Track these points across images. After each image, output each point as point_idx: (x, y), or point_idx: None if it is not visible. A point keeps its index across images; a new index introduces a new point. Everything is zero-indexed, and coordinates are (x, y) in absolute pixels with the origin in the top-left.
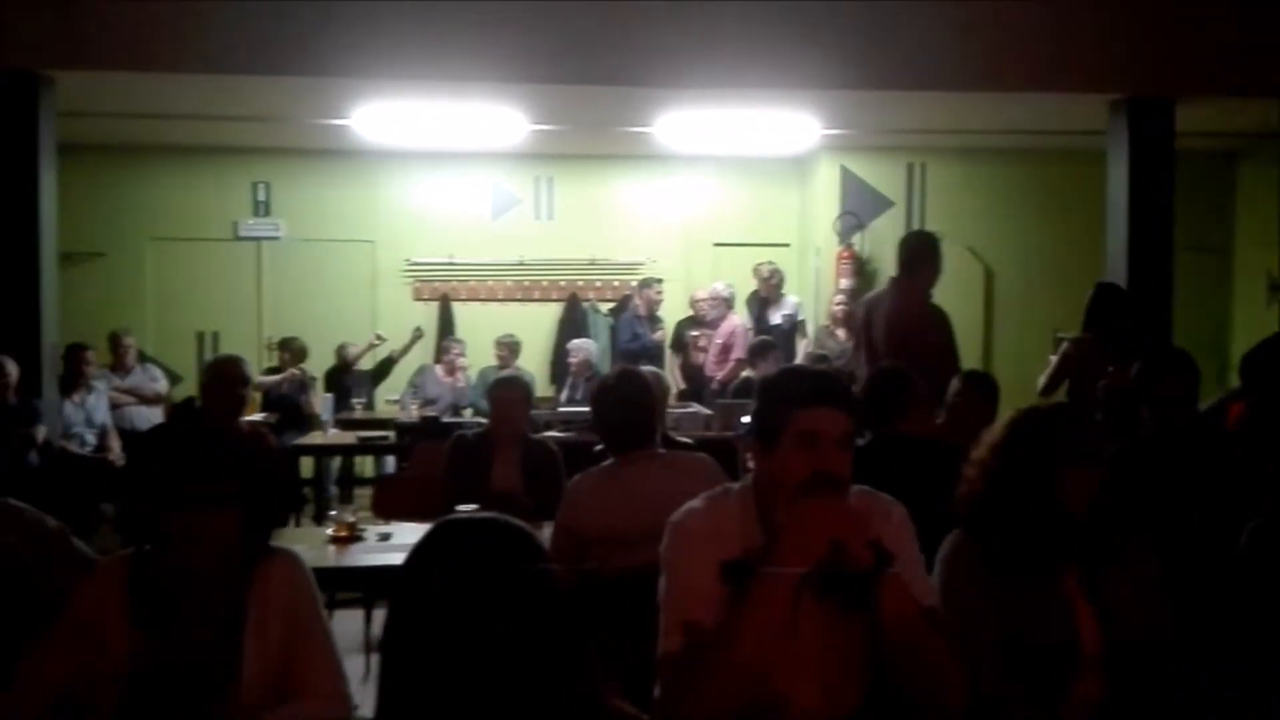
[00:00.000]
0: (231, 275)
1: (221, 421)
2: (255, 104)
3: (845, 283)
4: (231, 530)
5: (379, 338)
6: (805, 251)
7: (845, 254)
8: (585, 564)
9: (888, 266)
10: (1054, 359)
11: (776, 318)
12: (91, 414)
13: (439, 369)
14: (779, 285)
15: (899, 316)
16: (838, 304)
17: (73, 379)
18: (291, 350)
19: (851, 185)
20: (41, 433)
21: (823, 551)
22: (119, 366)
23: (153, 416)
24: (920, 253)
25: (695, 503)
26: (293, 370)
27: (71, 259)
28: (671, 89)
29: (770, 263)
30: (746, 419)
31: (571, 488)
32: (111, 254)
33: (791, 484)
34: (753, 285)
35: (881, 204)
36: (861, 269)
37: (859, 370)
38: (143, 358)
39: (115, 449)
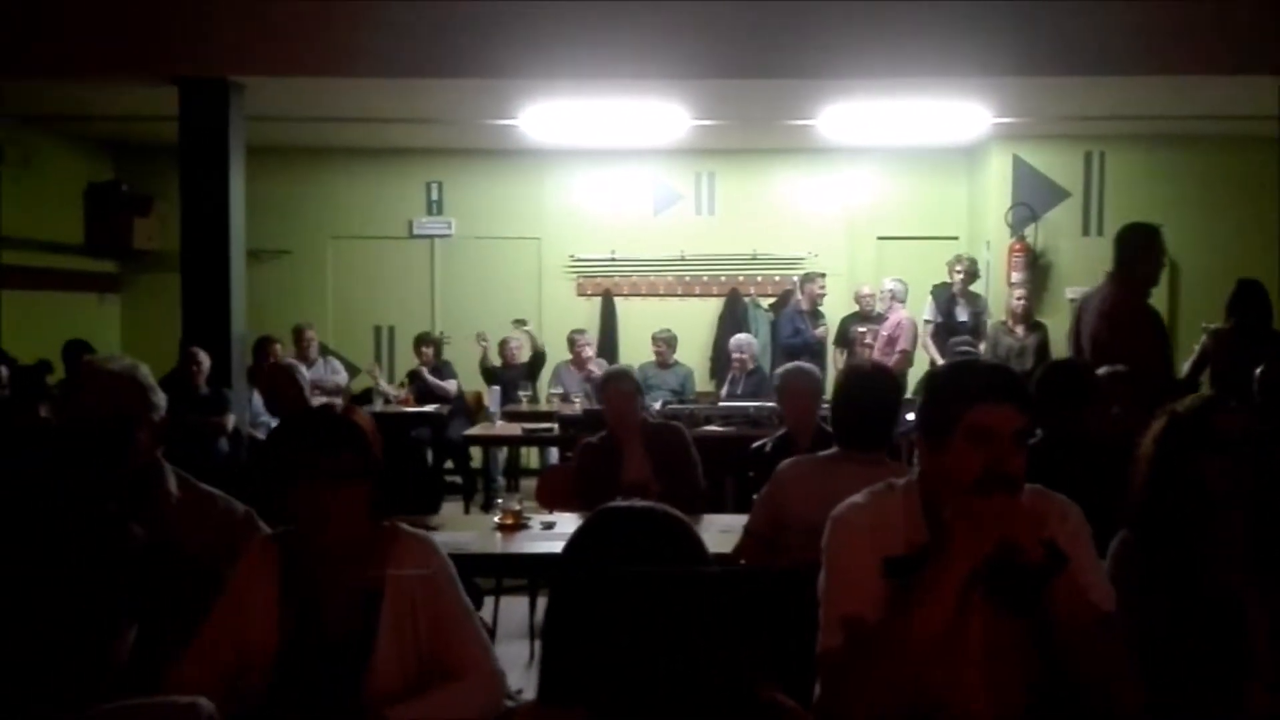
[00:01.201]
0: (406, 272)
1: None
2: (429, 106)
3: (1017, 276)
4: (356, 506)
5: (482, 338)
6: (975, 245)
7: (1017, 247)
8: (776, 550)
9: (1063, 260)
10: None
11: (964, 314)
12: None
13: (570, 364)
14: (970, 281)
15: (1110, 315)
16: (1018, 299)
17: (260, 370)
18: (430, 344)
19: (1024, 175)
20: (230, 421)
21: (993, 550)
22: (302, 359)
23: None
24: (1137, 247)
25: (857, 497)
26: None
27: (259, 256)
28: (837, 80)
29: (968, 257)
30: (910, 415)
31: (784, 467)
32: (296, 251)
33: (961, 481)
34: (937, 279)
35: (1056, 195)
36: (1034, 262)
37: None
38: (324, 351)
39: None
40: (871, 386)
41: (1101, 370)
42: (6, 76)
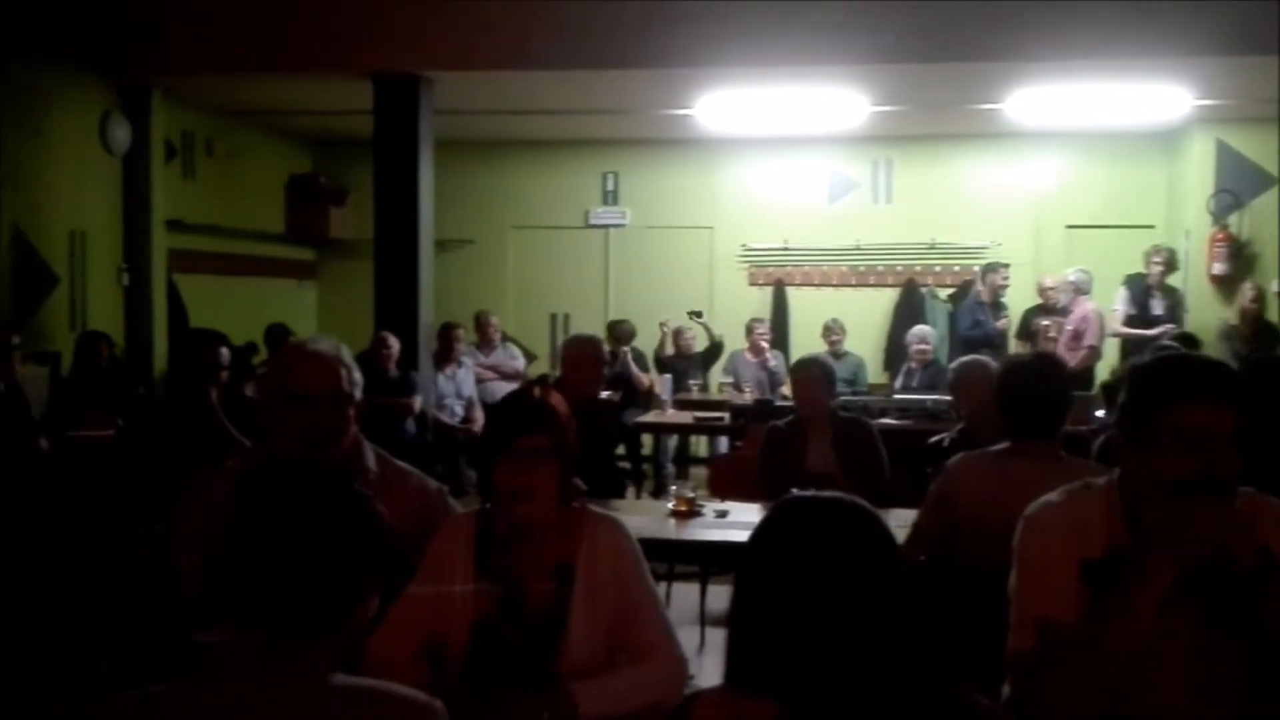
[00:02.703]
0: (582, 261)
1: (580, 395)
2: (607, 97)
3: (1219, 268)
4: (549, 486)
5: (666, 324)
6: (1173, 234)
7: (1220, 236)
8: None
9: (1270, 251)
10: None
11: (1159, 308)
12: (460, 387)
13: (747, 352)
14: (1168, 272)
15: None
16: (1252, 301)
17: (445, 355)
18: (618, 334)
19: (1228, 160)
20: (418, 403)
21: (1201, 555)
22: (484, 344)
23: None
24: None
25: (1052, 496)
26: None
27: (444, 245)
28: (1026, 63)
29: (1167, 248)
30: (1100, 413)
31: (953, 463)
32: (479, 240)
33: (1168, 483)
34: (1131, 270)
35: (1263, 181)
36: (1239, 253)
37: None
38: (504, 337)
39: (479, 420)
40: (1036, 374)
41: None
42: (216, 73)
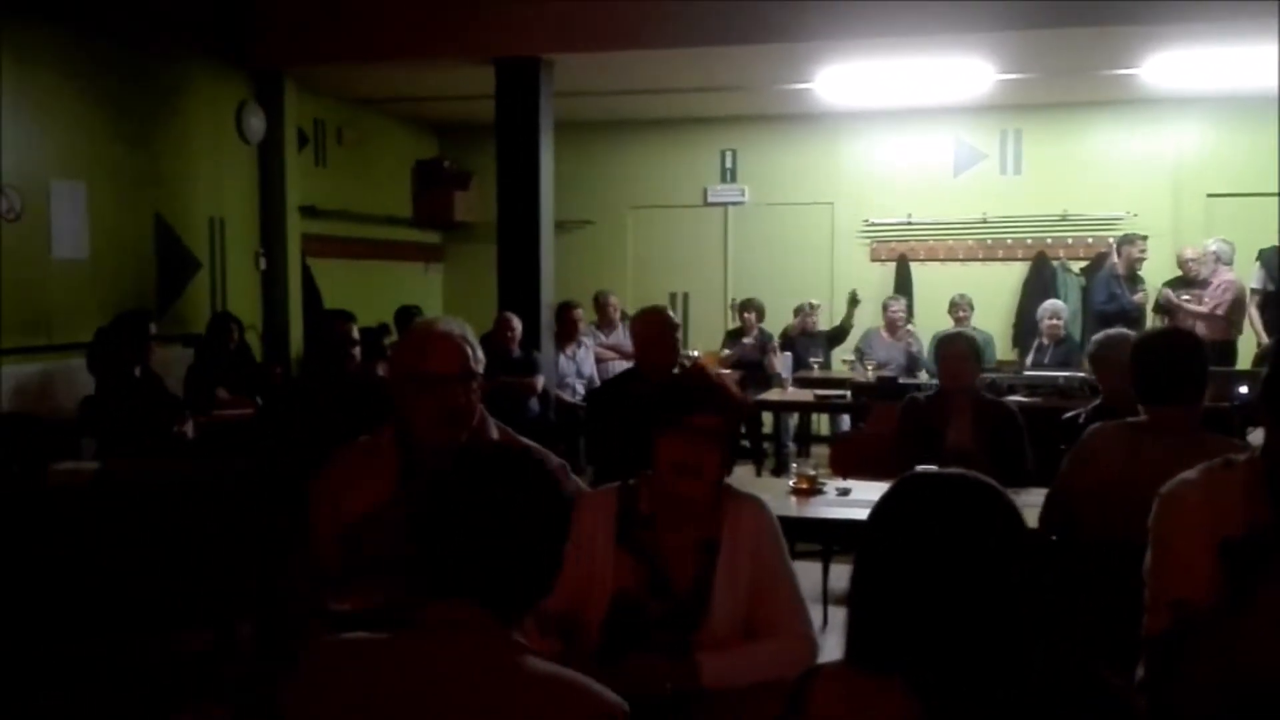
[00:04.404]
0: (700, 239)
1: (657, 367)
2: (724, 74)
3: None
4: (715, 464)
5: (810, 307)
6: None
7: None
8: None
9: None
10: None
11: None
12: (581, 366)
13: (883, 330)
14: None
15: None
16: None
17: (565, 335)
18: (754, 310)
19: None
20: (540, 382)
21: None
22: (604, 324)
23: None
24: None
25: (1190, 474)
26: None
27: (564, 227)
28: (1162, 25)
29: None
30: (1244, 388)
31: (1090, 432)
32: (598, 221)
33: None
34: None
35: None
36: None
37: None
38: (623, 316)
39: None
40: (1169, 342)
41: None
42: (345, 62)
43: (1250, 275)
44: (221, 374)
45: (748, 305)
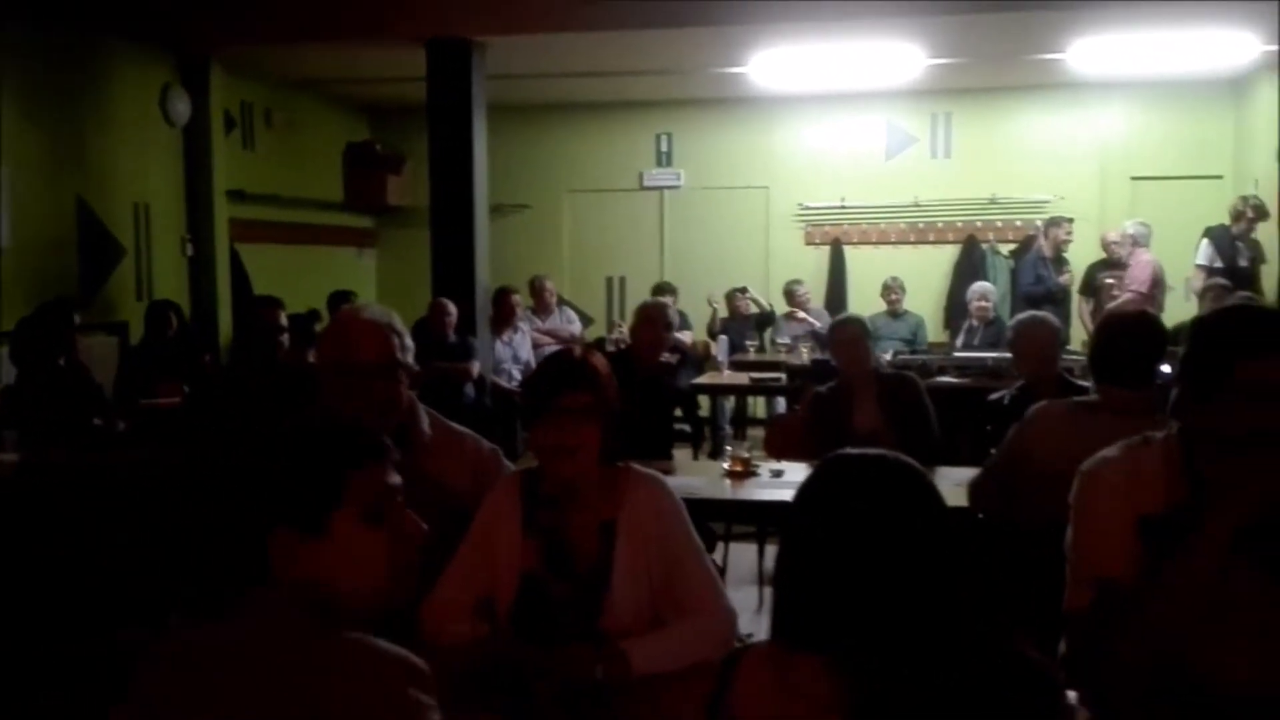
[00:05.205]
0: (637, 223)
1: (646, 359)
2: (660, 57)
3: None
4: (590, 445)
5: (713, 299)
6: (1241, 184)
7: None
8: (1009, 495)
9: None
10: None
11: (1244, 260)
12: (518, 351)
13: (796, 313)
14: (1258, 221)
15: None
16: None
17: (502, 320)
18: (669, 295)
19: None
20: (476, 368)
21: (1263, 512)
22: (540, 309)
23: None
24: None
25: (1110, 450)
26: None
27: (500, 211)
28: (1088, 10)
29: (1254, 197)
30: (1166, 367)
31: (1036, 409)
32: (534, 205)
33: (1231, 438)
34: (1197, 221)
35: None
36: None
37: None
38: (560, 301)
39: None
40: (1135, 326)
41: None
42: (273, 43)
43: (1198, 252)
44: (158, 363)
45: (661, 290)
